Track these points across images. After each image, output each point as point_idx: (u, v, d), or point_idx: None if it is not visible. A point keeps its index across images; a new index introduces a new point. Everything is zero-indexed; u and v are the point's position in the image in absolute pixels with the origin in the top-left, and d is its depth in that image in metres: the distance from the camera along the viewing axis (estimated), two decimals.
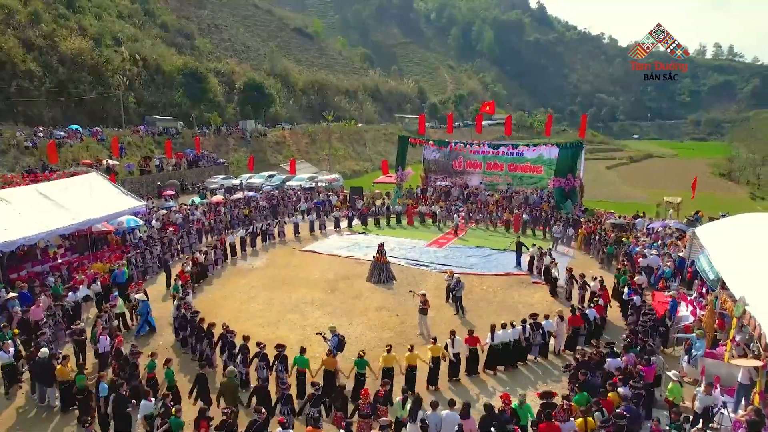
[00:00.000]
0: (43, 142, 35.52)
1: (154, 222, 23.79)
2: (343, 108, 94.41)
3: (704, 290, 14.93)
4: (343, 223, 27.00)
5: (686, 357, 11.79)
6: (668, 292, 15.51)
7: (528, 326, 12.50)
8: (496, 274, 19.35)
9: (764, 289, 10.56)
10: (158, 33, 76.80)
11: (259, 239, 23.38)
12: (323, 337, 11.90)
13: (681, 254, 18.41)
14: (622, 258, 19.03)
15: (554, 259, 18.32)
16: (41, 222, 16.20)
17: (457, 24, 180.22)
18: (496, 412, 8.42)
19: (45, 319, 12.65)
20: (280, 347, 10.78)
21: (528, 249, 19.93)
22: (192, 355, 12.64)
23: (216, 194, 32.80)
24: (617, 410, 8.25)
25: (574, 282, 16.49)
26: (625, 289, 15.25)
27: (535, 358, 12.89)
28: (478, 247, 23.18)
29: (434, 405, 8.64)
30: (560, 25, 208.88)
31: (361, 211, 28.36)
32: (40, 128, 39.63)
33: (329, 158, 60.80)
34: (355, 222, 27.33)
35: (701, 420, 9.04)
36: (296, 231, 25.07)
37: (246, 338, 11.29)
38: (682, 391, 9.92)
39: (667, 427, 8.78)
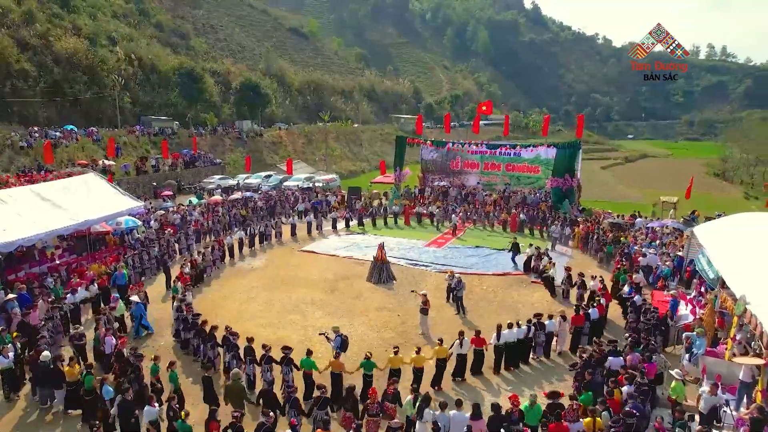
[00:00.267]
0: (39, 142, 35.31)
1: (152, 222, 23.67)
2: (339, 108, 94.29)
3: (702, 289, 15.06)
4: (341, 224, 26.98)
5: (687, 355, 11.86)
6: (668, 291, 15.63)
7: (532, 326, 12.56)
8: (495, 274, 19.41)
9: (765, 287, 10.65)
10: (153, 33, 76.37)
11: (257, 240, 23.33)
12: (326, 337, 11.89)
13: (680, 253, 18.53)
14: (620, 257, 19.13)
15: (551, 258, 18.38)
16: (40, 223, 16.07)
17: (452, 24, 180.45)
18: (503, 413, 8.45)
19: (44, 323, 12.50)
20: (286, 349, 10.74)
21: (525, 250, 19.99)
22: (194, 357, 12.60)
23: (213, 195, 32.67)
24: (626, 408, 8.29)
25: (572, 281, 16.55)
26: (626, 288, 15.34)
27: (538, 358, 12.95)
28: (477, 247, 23.22)
29: (443, 406, 8.67)
30: (555, 26, 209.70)
31: (358, 211, 28.35)
32: (35, 128, 39.37)
33: (326, 158, 60.71)
34: (352, 222, 27.31)
35: (710, 420, 9.07)
36: (293, 232, 25.01)
37: (250, 340, 11.26)
38: (685, 390, 9.98)
39: (670, 425, 8.84)
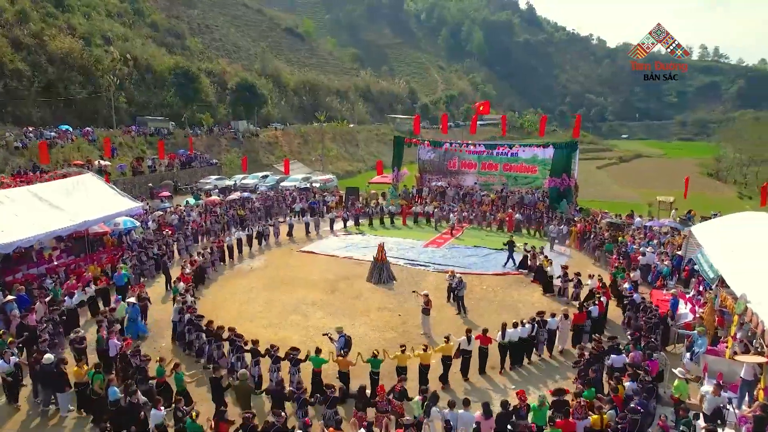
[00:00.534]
0: (34, 142, 35.03)
1: (150, 223, 23.56)
2: (335, 108, 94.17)
3: (701, 288, 15.18)
4: (338, 224, 26.95)
5: (688, 354, 11.95)
6: (667, 290, 15.73)
7: (536, 324, 12.65)
8: (495, 274, 19.46)
9: (765, 286, 10.75)
10: (148, 32, 75.97)
11: (255, 240, 23.25)
12: (330, 338, 11.89)
13: (679, 252, 18.66)
14: (618, 256, 19.23)
15: (547, 257, 18.48)
16: (38, 223, 15.97)
17: (447, 24, 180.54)
18: (511, 409, 8.50)
19: (44, 325, 12.35)
20: (294, 350, 10.76)
21: (520, 249, 20.03)
22: (196, 358, 12.55)
23: (210, 195, 32.55)
24: (631, 405, 8.35)
25: (569, 280, 16.63)
26: (626, 285, 15.43)
27: (540, 356, 13.03)
28: (476, 246, 23.26)
29: (451, 404, 8.72)
30: (549, 26, 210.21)
31: (355, 211, 28.32)
32: (30, 129, 39.06)
33: (322, 159, 60.66)
34: (350, 223, 27.28)
35: (714, 421, 9.13)
36: (290, 232, 24.95)
37: (255, 342, 11.25)
38: (688, 388, 10.05)
39: (673, 423, 8.90)
